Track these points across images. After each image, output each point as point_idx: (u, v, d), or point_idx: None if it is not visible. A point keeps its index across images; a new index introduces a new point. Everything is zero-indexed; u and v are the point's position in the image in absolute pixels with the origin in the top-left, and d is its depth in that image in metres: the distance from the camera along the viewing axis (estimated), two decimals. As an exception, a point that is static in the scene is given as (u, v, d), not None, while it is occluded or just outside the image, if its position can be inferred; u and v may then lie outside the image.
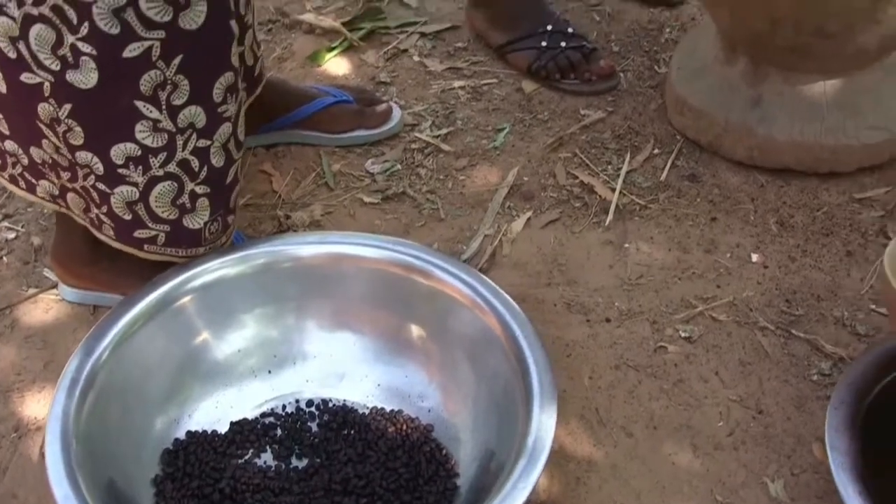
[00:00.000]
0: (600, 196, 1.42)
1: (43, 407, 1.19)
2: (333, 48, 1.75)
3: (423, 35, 1.77)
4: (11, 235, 1.44)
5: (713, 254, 1.33)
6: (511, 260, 1.34)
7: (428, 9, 1.85)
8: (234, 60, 1.14)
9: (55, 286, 1.34)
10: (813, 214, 1.38)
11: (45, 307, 1.33)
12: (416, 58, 1.72)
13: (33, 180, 1.17)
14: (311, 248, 1.18)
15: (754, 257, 1.32)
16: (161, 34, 1.03)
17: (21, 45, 1.02)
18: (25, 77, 1.04)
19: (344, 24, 1.79)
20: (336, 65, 1.73)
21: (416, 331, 1.16)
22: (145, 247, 1.18)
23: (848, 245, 1.34)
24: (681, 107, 1.49)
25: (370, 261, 1.16)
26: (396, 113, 1.55)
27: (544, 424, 0.98)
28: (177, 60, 1.06)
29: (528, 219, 1.40)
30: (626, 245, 1.35)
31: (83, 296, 1.31)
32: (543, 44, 1.62)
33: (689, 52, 1.56)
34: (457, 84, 1.65)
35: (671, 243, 1.35)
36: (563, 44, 1.61)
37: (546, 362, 1.04)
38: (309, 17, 1.82)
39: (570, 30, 1.63)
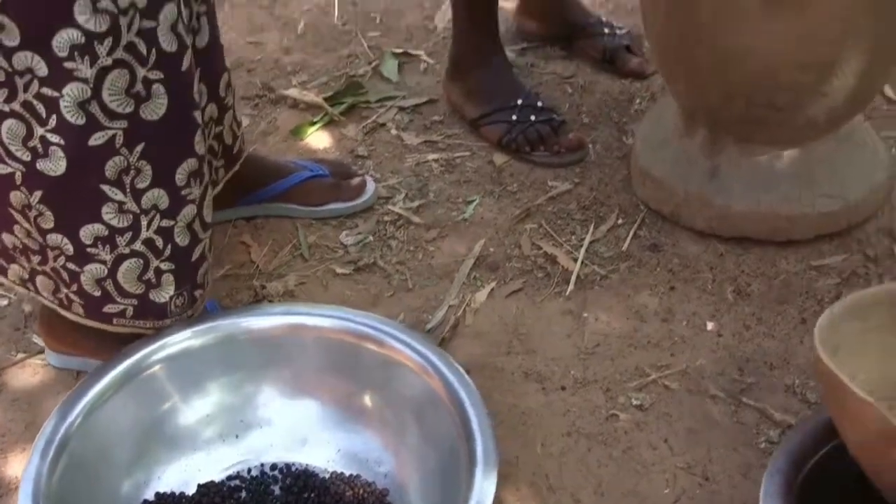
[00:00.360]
0: (563, 266, 1.49)
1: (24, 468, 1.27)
2: (315, 122, 1.85)
3: (401, 109, 1.87)
4: (4, 302, 1.53)
5: (670, 322, 1.40)
6: (473, 329, 1.41)
7: (407, 83, 1.95)
8: (199, 148, 1.23)
9: (42, 351, 1.43)
10: (770, 282, 1.45)
11: (33, 371, 1.42)
12: (393, 131, 1.81)
13: (5, 264, 1.27)
14: (270, 319, 1.27)
15: (709, 325, 1.39)
16: (124, 124, 1.14)
17: None
18: None
19: (326, 98, 1.89)
20: (317, 139, 1.82)
21: (371, 397, 1.24)
22: (114, 320, 1.27)
23: (803, 313, 1.40)
24: (643, 178, 1.57)
25: (326, 330, 1.25)
26: (370, 186, 1.64)
27: (485, 491, 1.05)
28: (139, 147, 1.16)
29: (492, 289, 1.47)
30: (585, 314, 1.42)
31: (67, 361, 1.40)
32: (514, 117, 1.71)
33: (652, 124, 1.64)
34: (431, 157, 1.74)
35: (629, 312, 1.42)
36: (532, 117, 1.70)
37: (490, 429, 1.10)
38: (293, 92, 1.93)
39: (539, 103, 1.73)
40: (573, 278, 1.47)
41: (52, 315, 1.38)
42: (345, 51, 2.07)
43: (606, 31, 1.92)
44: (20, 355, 1.44)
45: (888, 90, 1.82)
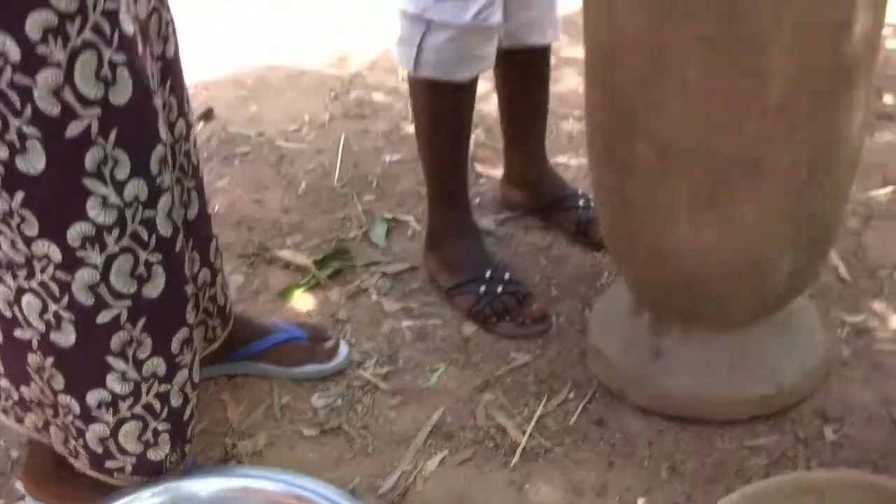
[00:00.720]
0: (512, 438, 1.67)
1: None
2: (302, 285, 2.07)
3: (384, 275, 2.09)
4: (-7, 449, 1.75)
5: (603, 497, 1.56)
6: (422, 496, 1.60)
7: (393, 249, 2.17)
8: (190, 318, 1.46)
9: (23, 498, 1.62)
10: (703, 461, 1.61)
11: (11, 518, 1.62)
12: (374, 297, 2.02)
13: (22, 414, 1.49)
14: (224, 481, 1.47)
15: (640, 502, 1.55)
16: (128, 303, 1.36)
17: (15, 308, 1.36)
18: (18, 332, 1.38)
19: (316, 262, 2.12)
20: (302, 301, 2.04)
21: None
22: (115, 475, 1.48)
23: (731, 491, 1.54)
24: (595, 354, 1.76)
25: (274, 494, 1.44)
26: (343, 350, 1.85)
27: None
28: (141, 322, 1.39)
29: (444, 457, 1.66)
30: (528, 486, 1.60)
31: None
32: (482, 289, 1.91)
33: (608, 302, 1.83)
34: (405, 324, 1.94)
35: (568, 485, 1.59)
36: (499, 289, 1.91)
37: None
38: (286, 253, 2.16)
39: (507, 275, 1.94)
40: (519, 451, 1.64)
41: (37, 462, 1.59)
42: (340, 213, 2.31)
43: (581, 203, 2.14)
44: (1, 501, 1.63)
45: (842, 270, 2.00)
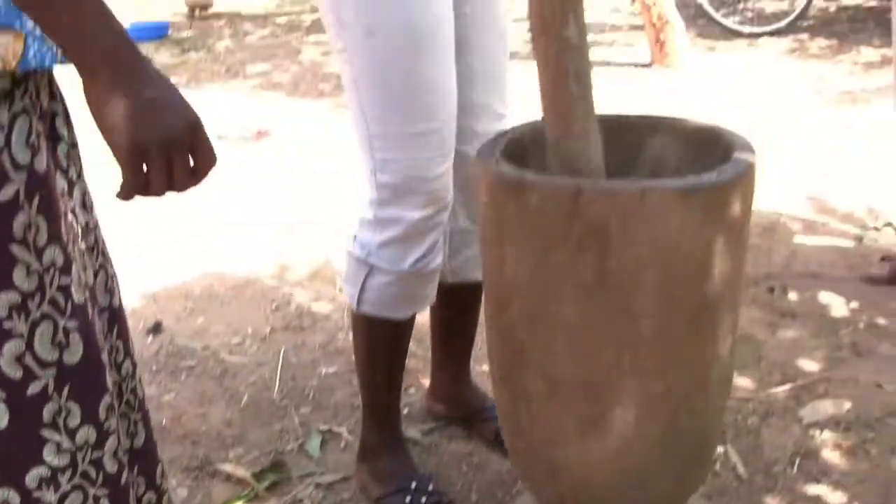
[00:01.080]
0: None
1: None
2: (241, 497, 2.29)
3: (318, 485, 2.32)
4: None
5: None
6: None
7: (328, 460, 2.42)
8: None
9: None
10: None
11: None
12: (307, 509, 2.26)
13: None
14: None
15: None
16: None
17: None
18: None
19: (255, 474, 2.35)
20: (241, 515, 2.27)
21: None
22: None
23: None
24: (508, 559, 1.99)
25: None
26: (279, 564, 2.07)
27: None
28: None
29: None
30: None
31: None
32: (408, 499, 2.16)
33: (520, 509, 2.08)
34: (336, 535, 2.18)
35: None
36: (423, 499, 2.16)
37: None
38: (228, 467, 2.40)
39: (430, 486, 2.19)
40: None
41: None
42: (278, 426, 2.56)
43: (499, 414, 2.40)
44: None
45: (739, 468, 2.27)
